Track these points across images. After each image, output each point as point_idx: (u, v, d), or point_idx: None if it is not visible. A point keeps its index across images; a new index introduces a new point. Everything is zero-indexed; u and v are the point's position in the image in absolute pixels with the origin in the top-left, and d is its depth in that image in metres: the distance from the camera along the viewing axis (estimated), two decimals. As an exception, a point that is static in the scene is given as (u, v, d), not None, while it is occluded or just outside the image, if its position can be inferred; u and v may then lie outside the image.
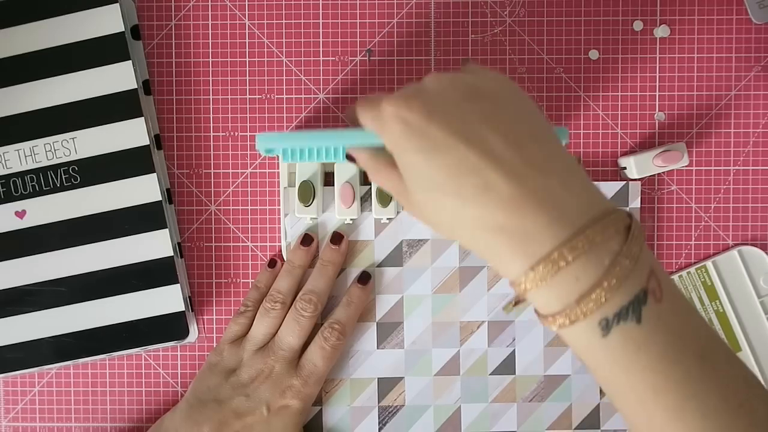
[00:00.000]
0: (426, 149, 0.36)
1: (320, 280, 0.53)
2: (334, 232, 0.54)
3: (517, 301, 0.37)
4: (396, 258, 0.55)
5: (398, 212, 0.54)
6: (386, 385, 0.55)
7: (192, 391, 0.53)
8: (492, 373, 0.55)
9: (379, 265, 0.55)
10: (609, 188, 0.54)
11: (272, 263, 0.55)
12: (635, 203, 0.54)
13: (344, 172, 0.53)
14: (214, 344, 0.56)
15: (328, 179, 0.55)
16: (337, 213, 0.53)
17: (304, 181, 0.53)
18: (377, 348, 0.55)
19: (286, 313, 0.53)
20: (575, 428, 0.55)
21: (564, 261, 0.33)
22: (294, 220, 0.54)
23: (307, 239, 0.54)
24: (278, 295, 0.53)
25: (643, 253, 0.34)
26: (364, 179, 0.55)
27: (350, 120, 0.45)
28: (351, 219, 0.54)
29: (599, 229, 0.33)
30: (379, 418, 0.55)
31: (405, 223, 0.54)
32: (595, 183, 0.52)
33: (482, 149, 0.35)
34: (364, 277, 0.54)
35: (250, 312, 0.54)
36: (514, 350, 0.55)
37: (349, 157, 0.45)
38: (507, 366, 0.55)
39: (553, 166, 0.35)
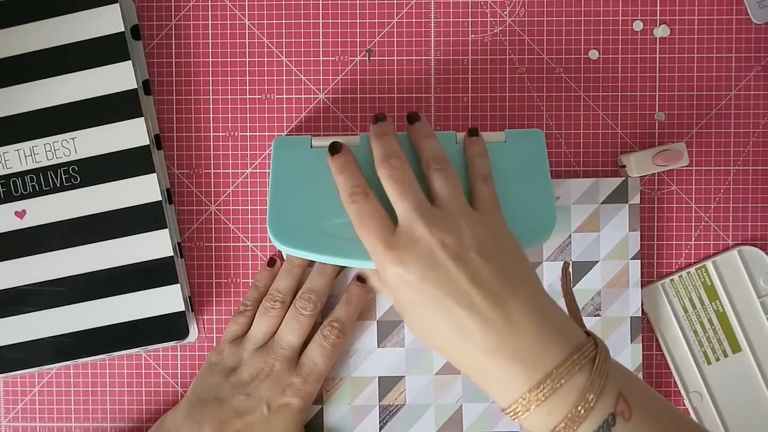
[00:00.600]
0: (420, 302, 0.42)
1: (319, 279, 0.53)
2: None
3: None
4: None
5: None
6: (387, 384, 0.55)
7: (193, 390, 0.53)
8: None
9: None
10: (608, 184, 0.54)
11: (271, 262, 0.55)
12: (634, 199, 0.54)
13: None
14: (214, 344, 0.56)
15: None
16: None
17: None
18: (378, 347, 0.55)
19: (286, 312, 0.53)
20: None
21: (535, 401, 0.39)
22: None
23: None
24: (278, 294, 0.53)
25: (609, 380, 0.39)
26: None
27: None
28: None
29: (564, 370, 0.39)
30: (380, 417, 0.55)
31: None
32: (596, 179, 0.52)
33: (466, 305, 0.41)
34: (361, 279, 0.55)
35: (249, 311, 0.54)
36: None
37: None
38: None
39: (528, 316, 0.41)
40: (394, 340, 0.55)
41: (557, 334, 0.40)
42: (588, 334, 0.42)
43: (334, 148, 0.49)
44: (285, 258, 0.54)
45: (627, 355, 0.54)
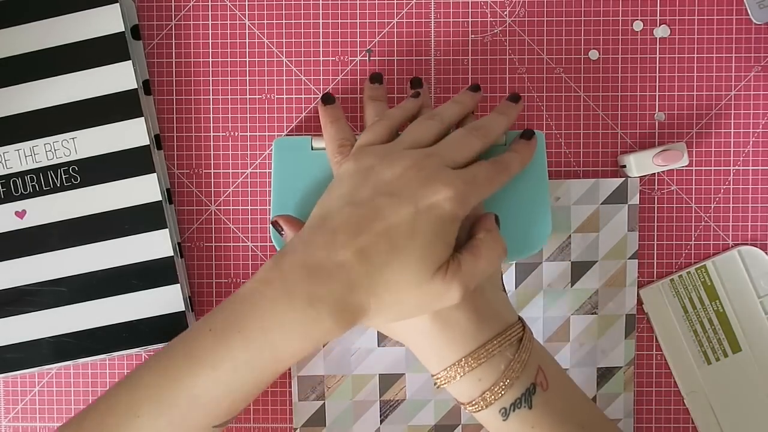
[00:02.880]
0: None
1: (497, 120, 0.50)
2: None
3: (438, 387, 0.46)
4: None
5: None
6: (387, 380, 0.55)
7: (318, 208, 0.45)
8: None
9: None
10: (608, 185, 0.54)
11: (416, 92, 0.52)
12: (634, 200, 0.54)
13: None
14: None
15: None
16: None
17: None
18: (378, 346, 0.55)
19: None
20: None
21: (469, 366, 0.44)
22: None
23: (327, 98, 0.52)
24: (436, 116, 0.49)
25: (532, 356, 0.45)
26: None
27: None
28: None
29: (497, 343, 0.44)
30: (380, 411, 0.55)
31: None
32: (596, 180, 0.52)
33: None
34: (528, 134, 0.50)
35: (387, 123, 0.48)
36: None
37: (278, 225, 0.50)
38: None
39: (469, 301, 0.44)
40: (394, 340, 0.55)
41: (493, 312, 0.45)
42: (519, 318, 0.46)
43: (327, 99, 0.51)
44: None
45: (621, 350, 0.55)
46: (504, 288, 0.48)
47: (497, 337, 0.44)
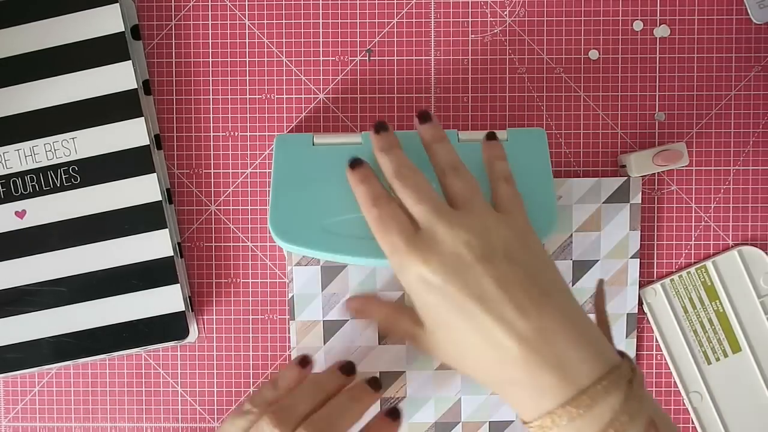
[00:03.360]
0: (446, 308, 0.40)
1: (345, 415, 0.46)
2: (347, 364, 0.50)
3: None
4: None
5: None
6: (388, 378, 0.55)
7: None
8: None
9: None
10: (610, 184, 0.54)
11: (305, 362, 0.49)
12: (636, 199, 0.54)
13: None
14: (215, 344, 0.56)
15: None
16: None
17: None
18: (378, 344, 0.55)
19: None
20: None
21: (568, 416, 0.37)
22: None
23: (304, 361, 0.49)
24: (257, 400, 0.46)
25: (643, 405, 0.37)
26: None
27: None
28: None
29: (602, 388, 0.37)
30: (381, 408, 0.55)
31: None
32: (598, 179, 0.52)
33: (495, 315, 0.38)
34: (395, 413, 0.48)
35: (252, 416, 0.45)
36: None
37: (359, 312, 0.50)
38: None
39: (562, 326, 0.38)
40: (395, 338, 0.55)
41: (594, 350, 0.38)
42: (622, 355, 0.40)
43: (356, 162, 0.47)
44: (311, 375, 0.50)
45: (621, 349, 0.54)
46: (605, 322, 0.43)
47: (602, 380, 0.37)
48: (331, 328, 0.55)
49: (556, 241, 0.55)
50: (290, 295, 0.55)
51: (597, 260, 0.55)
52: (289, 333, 0.55)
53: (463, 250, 0.40)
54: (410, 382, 0.55)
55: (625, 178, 0.54)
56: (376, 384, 0.48)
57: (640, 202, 0.54)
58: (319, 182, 0.49)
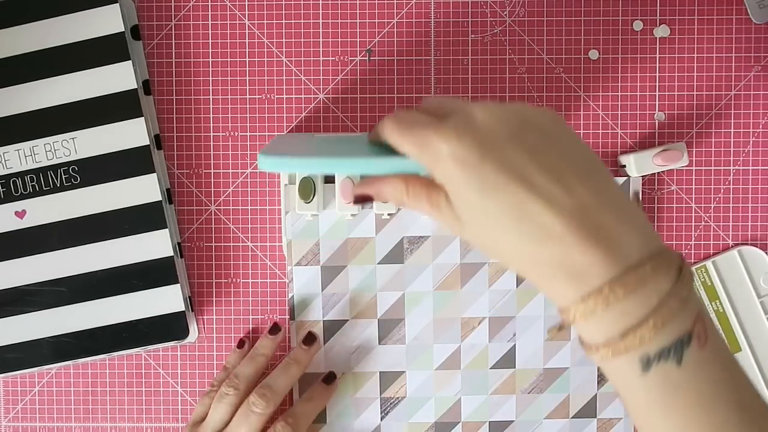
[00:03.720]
0: (481, 188, 0.36)
1: (281, 377, 0.52)
2: (308, 332, 0.54)
3: (562, 327, 0.37)
4: (397, 255, 0.55)
5: (399, 209, 0.54)
6: (388, 378, 0.55)
7: None
8: (492, 367, 0.55)
9: (380, 262, 0.55)
10: None
11: (241, 344, 0.55)
12: (637, 195, 0.54)
13: None
14: (214, 344, 0.56)
15: (329, 176, 0.55)
16: (338, 209, 0.53)
17: (304, 177, 0.53)
18: (378, 344, 0.55)
19: (242, 400, 0.51)
20: (572, 417, 0.55)
21: (614, 296, 0.33)
22: (295, 217, 0.54)
23: (274, 329, 0.54)
24: (234, 380, 0.52)
25: (692, 296, 0.34)
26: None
27: (375, 138, 0.43)
28: (352, 215, 0.54)
29: (650, 268, 0.34)
30: (381, 408, 0.55)
31: (406, 220, 0.54)
32: None
33: (535, 189, 0.35)
34: (309, 339, 0.54)
35: (214, 393, 0.53)
36: (514, 345, 0.55)
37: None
38: (507, 360, 0.55)
39: (605, 202, 0.35)
40: (395, 338, 0.55)
41: (640, 230, 0.35)
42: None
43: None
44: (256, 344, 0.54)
45: None
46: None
47: (651, 260, 0.34)
48: (331, 328, 0.55)
49: None
50: (290, 295, 0.55)
51: None
52: (288, 333, 0.55)
53: (499, 125, 0.36)
54: (410, 381, 0.55)
55: (625, 178, 0.54)
56: (309, 340, 0.54)
57: (639, 198, 0.54)
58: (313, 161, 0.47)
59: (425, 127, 0.37)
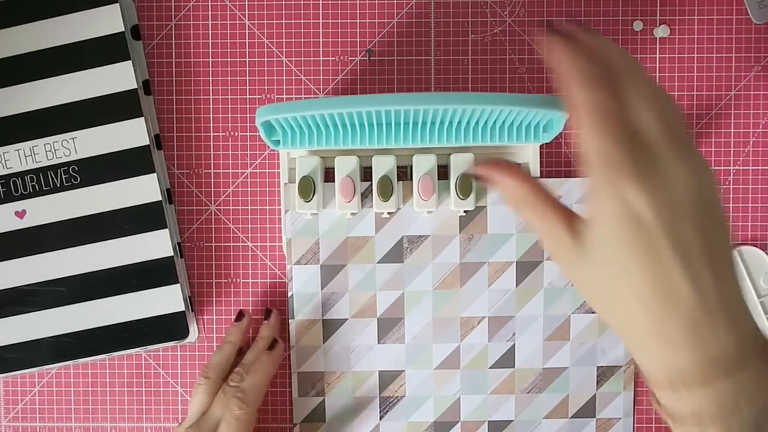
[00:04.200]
0: (642, 252, 0.34)
1: (248, 355, 0.53)
2: (266, 309, 0.55)
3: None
4: (397, 254, 0.55)
5: (399, 208, 0.54)
6: (387, 377, 0.55)
7: None
8: (492, 367, 0.55)
9: (380, 261, 0.55)
10: None
11: (239, 316, 0.55)
12: None
13: (344, 166, 0.53)
14: (215, 344, 0.56)
15: (329, 174, 0.55)
16: (338, 207, 0.53)
17: (304, 176, 0.53)
18: (378, 343, 0.55)
19: (215, 387, 0.52)
20: (572, 417, 0.55)
21: (731, 369, 0.33)
22: (294, 216, 0.54)
23: (239, 316, 0.55)
24: (205, 370, 0.53)
25: None
26: (364, 176, 0.55)
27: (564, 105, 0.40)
28: (351, 213, 0.54)
29: (752, 376, 0.34)
30: (380, 407, 0.55)
31: (405, 219, 0.54)
32: None
33: (692, 272, 0.34)
34: (272, 344, 0.54)
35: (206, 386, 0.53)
36: (514, 344, 0.55)
37: (480, 179, 0.40)
38: (506, 359, 0.55)
39: (738, 290, 0.35)
40: (395, 337, 0.55)
41: (752, 323, 0.35)
42: None
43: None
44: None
45: (621, 349, 0.55)
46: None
47: (756, 352, 0.34)
48: (330, 327, 0.55)
49: None
50: (290, 293, 0.55)
51: None
52: (288, 332, 0.55)
53: (693, 198, 0.34)
54: (409, 381, 0.55)
55: None
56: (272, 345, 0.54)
57: None
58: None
59: (619, 147, 0.34)
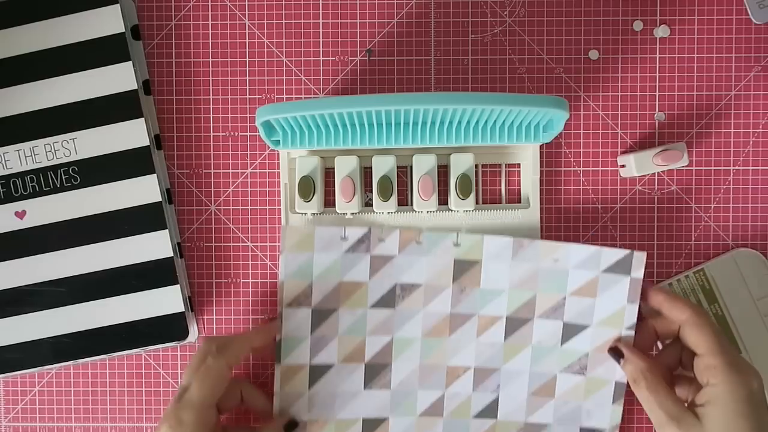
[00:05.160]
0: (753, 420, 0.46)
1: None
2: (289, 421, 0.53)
3: None
4: (389, 300, 0.54)
5: (397, 209, 0.54)
6: (370, 425, 0.54)
7: None
8: (475, 416, 0.54)
9: (372, 307, 0.54)
10: (611, 255, 0.53)
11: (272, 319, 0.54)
12: (638, 273, 0.52)
13: (344, 166, 0.53)
14: (214, 344, 0.56)
15: (329, 174, 0.55)
16: (338, 207, 0.53)
17: (304, 176, 0.53)
18: (363, 388, 0.54)
19: None
20: None
21: None
22: (289, 258, 0.52)
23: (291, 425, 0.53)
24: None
25: None
26: (365, 175, 0.55)
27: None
28: (352, 213, 0.54)
29: None
30: None
31: (399, 267, 0.53)
32: (599, 249, 0.53)
33: None
34: (291, 426, 0.53)
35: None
36: (498, 396, 0.54)
37: (617, 351, 0.52)
38: (490, 410, 0.54)
39: None
40: (381, 383, 0.54)
41: None
42: None
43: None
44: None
45: (606, 414, 0.54)
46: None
47: None
48: (316, 373, 0.53)
49: (548, 301, 0.54)
50: (278, 337, 0.53)
51: (589, 326, 0.53)
52: (272, 377, 0.54)
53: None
54: (393, 429, 0.54)
55: (628, 251, 0.53)
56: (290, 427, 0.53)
57: (641, 276, 0.52)
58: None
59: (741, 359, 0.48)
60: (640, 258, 0.52)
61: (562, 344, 0.54)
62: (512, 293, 0.54)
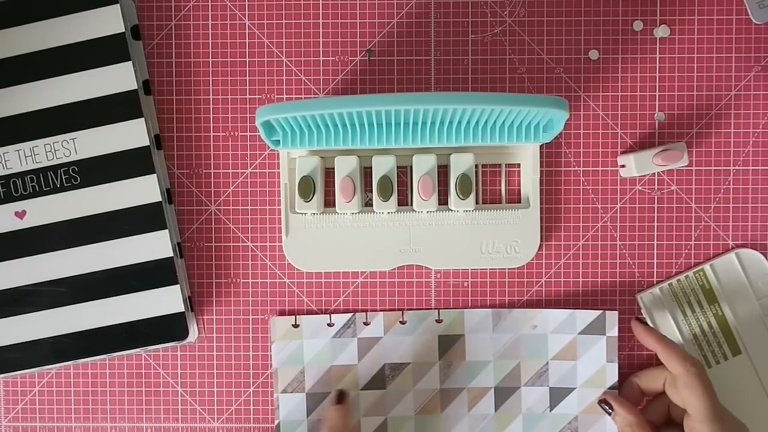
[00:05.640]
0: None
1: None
2: (339, 391, 0.54)
3: None
4: (379, 381, 0.55)
5: (397, 209, 0.54)
6: None
7: None
8: None
9: (363, 388, 0.55)
10: (585, 317, 0.54)
11: (340, 398, 0.54)
12: (612, 332, 0.54)
13: (344, 166, 0.53)
14: (214, 344, 0.56)
15: (329, 174, 0.55)
16: (338, 207, 0.53)
17: (304, 176, 0.53)
18: None
19: None
20: None
21: None
22: (281, 346, 0.54)
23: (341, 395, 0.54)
24: None
25: None
26: (365, 175, 0.55)
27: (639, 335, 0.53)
28: (352, 213, 0.54)
29: None
30: None
31: (386, 348, 0.55)
32: (572, 311, 0.54)
33: None
34: (341, 396, 0.54)
35: None
36: None
37: (606, 403, 0.53)
38: None
39: None
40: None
41: None
42: None
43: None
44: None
45: None
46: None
47: None
48: None
49: (532, 368, 0.55)
50: (276, 422, 0.55)
51: (574, 388, 0.55)
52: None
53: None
54: None
55: (600, 311, 0.54)
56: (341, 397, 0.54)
57: (616, 334, 0.54)
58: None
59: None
60: (612, 317, 0.54)
61: (551, 410, 0.55)
62: (497, 363, 0.55)
